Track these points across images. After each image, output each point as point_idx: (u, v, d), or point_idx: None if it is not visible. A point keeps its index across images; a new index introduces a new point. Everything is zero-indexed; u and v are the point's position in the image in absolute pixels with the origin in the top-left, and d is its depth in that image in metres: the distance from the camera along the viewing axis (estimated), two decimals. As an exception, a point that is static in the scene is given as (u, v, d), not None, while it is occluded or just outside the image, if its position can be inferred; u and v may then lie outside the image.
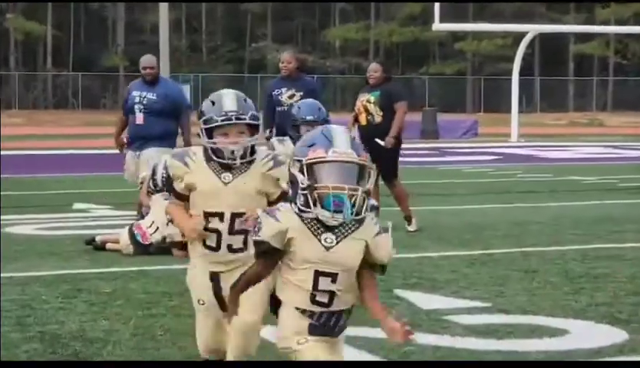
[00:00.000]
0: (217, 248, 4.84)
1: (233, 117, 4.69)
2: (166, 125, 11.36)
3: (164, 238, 9.69)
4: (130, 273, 8.59)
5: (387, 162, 11.39)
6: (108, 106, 64.40)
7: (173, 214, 4.93)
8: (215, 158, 4.72)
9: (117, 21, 70.59)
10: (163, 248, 9.81)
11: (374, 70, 11.77)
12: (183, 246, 9.76)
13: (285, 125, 11.08)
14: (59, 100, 66.79)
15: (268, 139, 11.60)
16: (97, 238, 10.04)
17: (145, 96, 11.47)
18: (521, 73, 38.64)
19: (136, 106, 11.43)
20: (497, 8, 70.24)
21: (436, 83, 69.58)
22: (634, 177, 19.19)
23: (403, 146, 11.99)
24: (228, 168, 4.71)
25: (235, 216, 4.74)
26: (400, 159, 12.00)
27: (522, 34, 39.05)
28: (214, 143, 4.69)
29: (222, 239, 4.81)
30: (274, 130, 11.20)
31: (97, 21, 72.79)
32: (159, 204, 10.13)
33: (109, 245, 9.91)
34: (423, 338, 6.21)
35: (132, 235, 9.81)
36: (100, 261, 9.26)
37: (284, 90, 11.61)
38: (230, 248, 4.81)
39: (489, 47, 68.24)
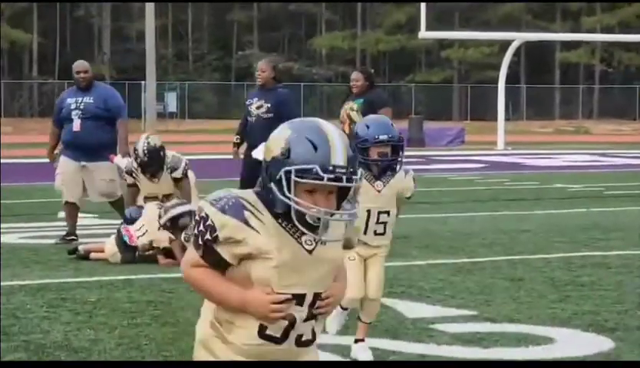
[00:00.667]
0: (282, 340, 3.28)
1: (344, 178, 3.16)
2: (106, 134, 11.15)
3: (151, 242, 9.66)
4: (115, 282, 8.55)
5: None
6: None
7: (215, 288, 3.24)
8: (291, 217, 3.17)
9: (103, 28, 70.51)
10: (148, 257, 9.79)
11: (356, 79, 11.69)
12: (167, 254, 9.73)
13: (252, 136, 11.11)
14: (45, 108, 66.59)
15: (235, 144, 11.51)
16: (81, 248, 10.00)
17: (82, 101, 11.22)
18: (507, 81, 38.74)
19: (73, 113, 11.17)
20: (484, 17, 70.45)
21: (422, 91, 69.67)
22: (619, 185, 19.24)
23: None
24: (310, 228, 3.18)
25: (317, 296, 3.28)
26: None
27: (509, 42, 39.15)
28: (296, 203, 3.13)
29: (293, 328, 3.28)
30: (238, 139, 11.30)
31: (83, 28, 72.68)
32: (150, 208, 10.12)
33: (93, 255, 9.86)
34: (409, 347, 6.20)
35: (120, 237, 9.77)
36: (84, 270, 9.22)
37: (255, 100, 11.51)
38: (299, 341, 3.30)
39: (476, 55, 68.40)
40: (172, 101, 63.12)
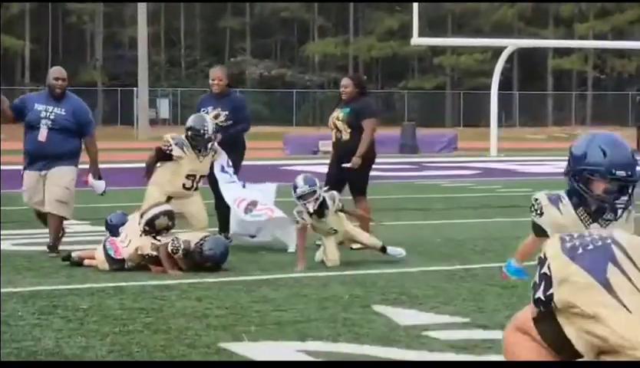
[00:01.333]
0: None
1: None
2: (71, 143, 10.79)
3: (136, 250, 9.64)
4: (106, 289, 8.53)
5: (357, 180, 11.33)
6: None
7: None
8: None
9: (96, 35, 70.47)
10: (139, 264, 9.76)
11: (344, 85, 11.52)
12: (157, 261, 9.70)
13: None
14: (37, 115, 66.56)
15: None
16: (74, 254, 9.97)
17: (52, 111, 10.78)
18: (500, 88, 38.81)
19: (42, 122, 10.70)
20: (476, 23, 70.57)
21: (415, 98, 69.75)
22: (612, 191, 19.25)
23: (381, 160, 11.90)
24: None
25: None
26: (379, 173, 11.98)
27: (501, 49, 39.21)
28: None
29: None
30: None
31: (76, 35, 72.64)
32: (132, 218, 10.10)
33: (87, 262, 9.84)
34: (401, 354, 6.18)
35: (105, 251, 9.74)
36: (76, 277, 9.20)
37: (210, 108, 11.44)
38: None
39: (469, 62, 68.52)
40: (164, 108, 63.17)
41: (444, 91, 71.99)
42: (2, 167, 11.68)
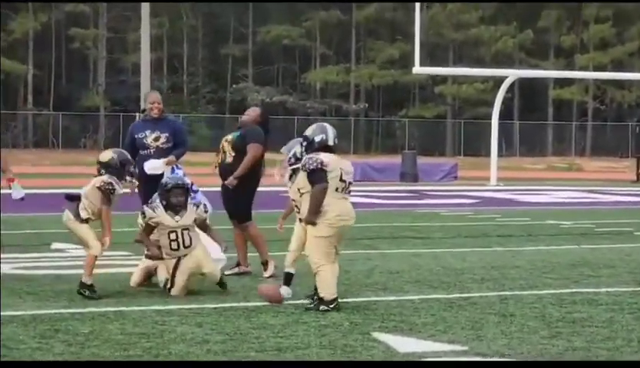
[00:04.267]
0: None
1: None
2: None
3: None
4: (107, 314, 8.57)
5: (235, 203, 11.31)
6: (88, 145, 64.38)
7: None
8: None
9: (98, 60, 70.70)
10: (140, 290, 9.81)
11: (251, 109, 11.85)
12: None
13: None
14: (39, 140, 66.71)
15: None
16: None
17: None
18: (501, 118, 38.91)
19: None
20: (477, 54, 70.80)
21: (416, 126, 69.90)
22: (611, 222, 19.30)
23: (381, 188, 11.94)
24: None
25: None
26: (380, 201, 12.03)
27: (502, 79, 39.35)
28: None
29: None
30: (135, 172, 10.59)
31: (78, 60, 72.87)
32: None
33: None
34: (400, 381, 6.22)
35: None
36: (77, 302, 9.23)
37: (148, 132, 11.48)
38: None
39: (470, 91, 68.71)
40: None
41: (445, 120, 72.16)
42: (2, 191, 11.67)
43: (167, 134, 11.40)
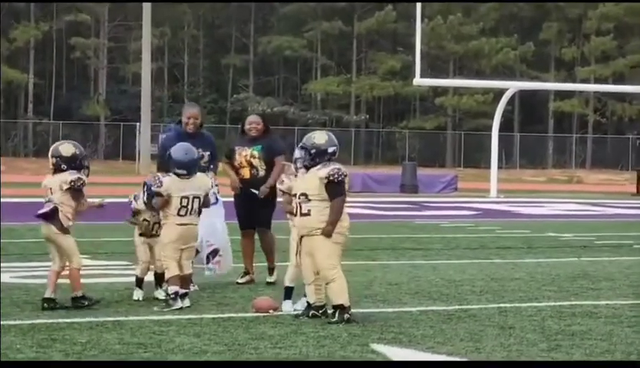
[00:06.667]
0: None
1: None
2: None
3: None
4: (105, 323, 8.55)
5: (265, 212, 11.50)
6: (88, 155, 64.41)
7: None
8: None
9: (99, 69, 70.77)
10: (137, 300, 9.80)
11: (254, 120, 11.69)
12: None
13: None
14: (39, 149, 66.70)
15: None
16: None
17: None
18: (501, 129, 38.92)
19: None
20: (478, 65, 70.86)
21: (416, 138, 69.91)
22: (611, 234, 19.28)
23: (381, 199, 12.00)
24: None
25: None
26: (380, 212, 12.04)
27: (503, 91, 39.38)
28: None
29: None
30: None
31: (79, 70, 72.94)
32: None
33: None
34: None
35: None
36: (75, 311, 9.21)
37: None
38: None
39: (470, 103, 68.73)
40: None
41: (445, 132, 72.17)
42: (2, 200, 11.65)
43: (209, 153, 11.11)
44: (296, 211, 9.11)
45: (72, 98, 69.89)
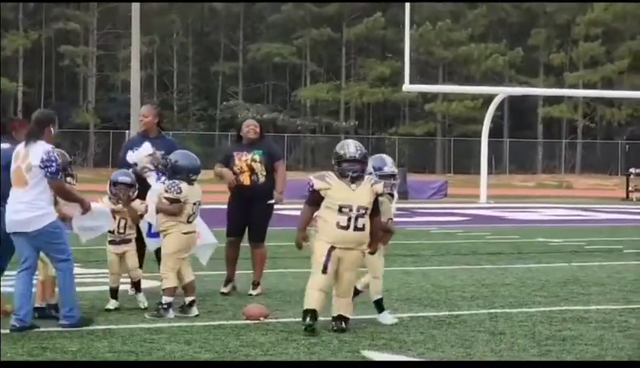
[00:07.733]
0: None
1: None
2: None
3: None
4: (96, 331, 8.54)
5: (265, 223, 11.38)
6: (78, 162, 64.27)
7: None
8: None
9: (88, 77, 70.69)
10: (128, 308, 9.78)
11: (251, 125, 11.59)
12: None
13: None
14: (29, 157, 66.54)
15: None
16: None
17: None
18: (490, 135, 38.96)
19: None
20: (467, 71, 70.96)
21: (406, 144, 69.96)
22: (600, 239, 19.32)
23: None
24: None
25: None
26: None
27: (492, 96, 39.43)
28: None
29: None
30: None
31: (69, 78, 72.85)
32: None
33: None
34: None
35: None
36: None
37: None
38: None
39: (459, 109, 68.79)
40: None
41: (435, 138, 72.22)
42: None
43: (163, 152, 10.95)
44: (347, 225, 8.69)
45: (61, 106, 69.73)
